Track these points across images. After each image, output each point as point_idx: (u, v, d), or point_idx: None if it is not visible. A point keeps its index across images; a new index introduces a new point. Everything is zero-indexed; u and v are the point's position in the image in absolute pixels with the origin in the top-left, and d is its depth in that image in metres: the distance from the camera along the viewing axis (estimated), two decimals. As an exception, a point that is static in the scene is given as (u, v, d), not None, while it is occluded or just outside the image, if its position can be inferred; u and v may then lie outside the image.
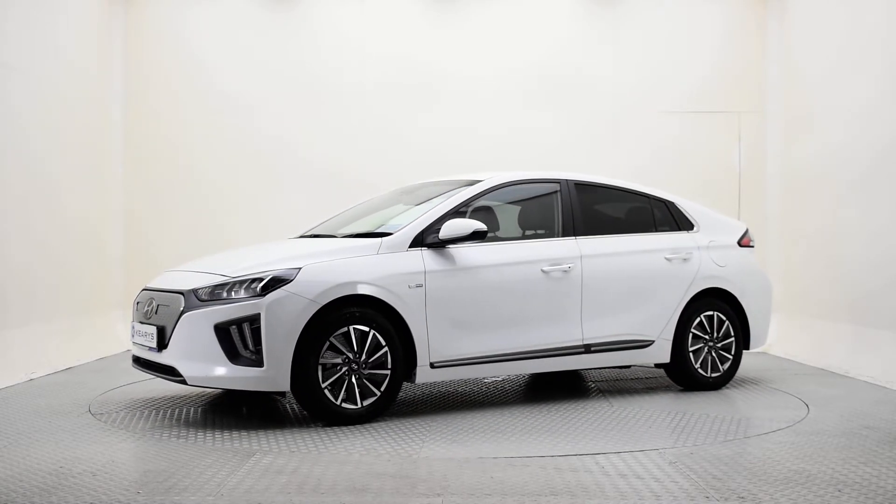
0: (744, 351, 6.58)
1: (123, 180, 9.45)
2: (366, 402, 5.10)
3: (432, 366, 5.34)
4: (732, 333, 6.44)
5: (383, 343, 5.13)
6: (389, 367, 5.15)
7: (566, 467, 4.16)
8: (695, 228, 6.57)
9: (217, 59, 9.51)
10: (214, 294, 5.02)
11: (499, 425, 5.15)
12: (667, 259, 6.27)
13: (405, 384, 6.05)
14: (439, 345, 5.36)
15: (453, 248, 5.50)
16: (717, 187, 9.35)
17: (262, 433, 4.89)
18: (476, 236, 5.42)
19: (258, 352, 4.89)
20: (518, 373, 5.84)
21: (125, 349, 8.62)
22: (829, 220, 8.25)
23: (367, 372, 5.10)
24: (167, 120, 9.49)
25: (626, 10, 9.62)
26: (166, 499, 3.63)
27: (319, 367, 4.97)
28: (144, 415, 5.45)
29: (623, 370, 7.24)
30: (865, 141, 7.63)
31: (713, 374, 6.37)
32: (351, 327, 5.05)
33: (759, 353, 8.24)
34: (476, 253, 5.57)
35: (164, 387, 6.45)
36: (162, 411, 5.56)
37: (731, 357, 6.44)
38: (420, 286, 5.30)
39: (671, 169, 9.34)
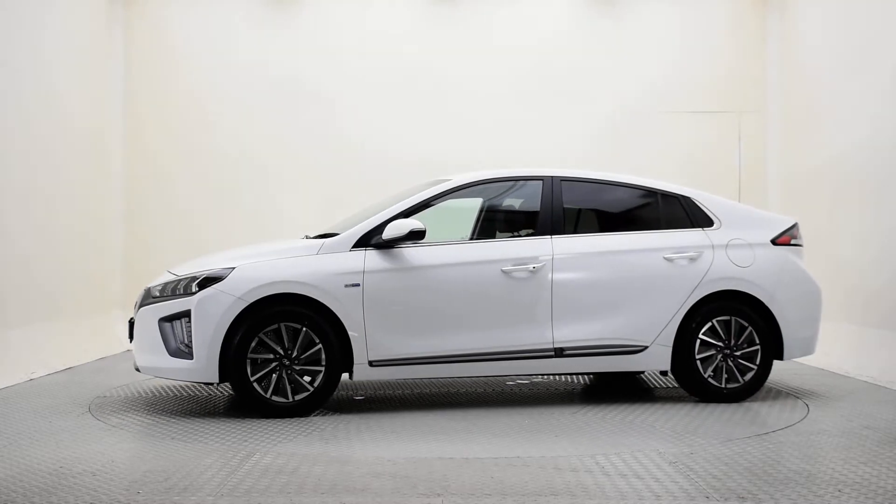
0: (776, 361, 5.99)
1: (123, 180, 9.45)
2: (297, 397, 5.29)
3: (371, 364, 5.41)
4: (758, 341, 5.83)
5: (316, 340, 5.29)
6: (323, 363, 5.30)
7: (566, 467, 4.16)
8: (714, 225, 6.00)
9: (217, 59, 9.51)
10: (163, 291, 5.46)
11: (499, 425, 5.15)
12: (666, 259, 5.81)
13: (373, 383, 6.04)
14: (379, 343, 5.40)
15: (405, 249, 5.51)
16: (718, 187, 9.32)
17: (262, 433, 4.89)
18: (413, 236, 5.43)
19: (190, 345, 5.23)
20: (476, 375, 5.68)
21: (125, 349, 8.62)
22: (829, 219, 8.25)
23: (298, 368, 5.30)
24: (167, 120, 9.49)
25: (626, 11, 9.62)
26: (166, 499, 3.63)
27: (248, 362, 5.22)
28: (144, 415, 5.45)
29: (639, 375, 7.00)
30: (866, 141, 7.63)
31: (729, 385, 5.79)
32: (282, 324, 5.27)
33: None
34: (428, 253, 5.55)
35: (164, 387, 6.46)
36: (162, 412, 5.56)
37: (754, 367, 5.82)
38: (357, 285, 5.37)
39: (671, 169, 9.31)
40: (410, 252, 5.52)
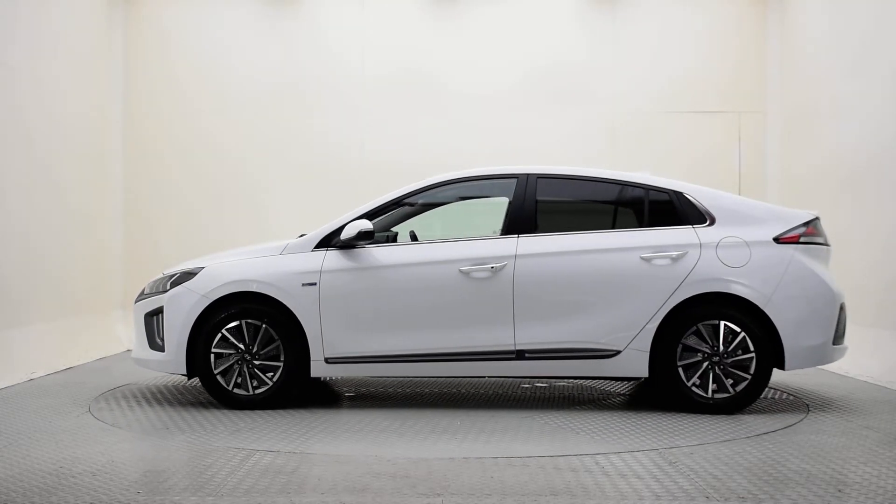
0: (776, 370, 5.50)
1: (124, 180, 9.46)
2: (258, 391, 5.56)
3: (327, 361, 5.54)
4: (752, 348, 5.37)
5: (276, 337, 5.52)
6: (281, 359, 5.53)
7: (566, 467, 4.16)
8: (708, 222, 5.57)
9: (217, 58, 9.52)
10: (152, 289, 5.87)
11: (499, 425, 5.15)
12: (643, 259, 5.45)
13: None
14: (335, 341, 5.51)
15: (363, 250, 5.60)
16: (717, 187, 9.30)
17: (262, 433, 4.89)
18: (363, 236, 5.52)
19: (163, 338, 5.63)
20: (434, 375, 5.64)
21: (125, 349, 8.63)
22: (828, 220, 8.21)
23: (258, 363, 5.55)
24: (167, 120, 9.50)
25: (626, 11, 9.62)
26: (166, 499, 3.63)
27: (212, 356, 5.53)
28: (144, 415, 5.46)
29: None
30: (865, 141, 7.64)
31: (718, 396, 5.39)
32: (244, 321, 5.54)
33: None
34: (386, 253, 5.60)
35: (163, 387, 6.46)
36: (162, 411, 5.56)
37: (748, 377, 5.37)
38: (313, 284, 5.52)
39: (671, 169, 9.29)
40: (368, 252, 5.60)
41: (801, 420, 5.33)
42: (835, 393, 6.32)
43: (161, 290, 5.75)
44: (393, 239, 5.92)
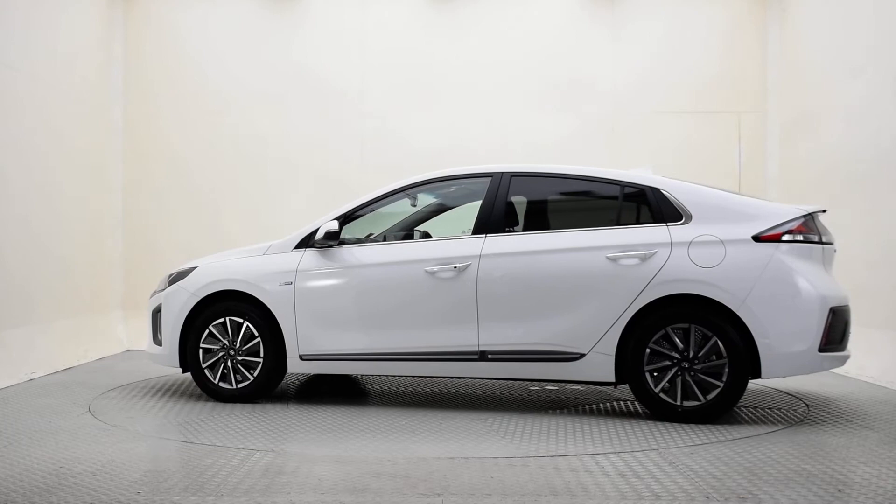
0: (753, 379, 5.18)
1: (123, 180, 9.47)
2: (240, 385, 5.79)
3: (301, 358, 5.70)
4: (724, 354, 5.04)
5: (256, 334, 5.74)
6: (261, 355, 5.74)
7: (566, 467, 4.16)
8: (683, 219, 5.24)
9: (217, 59, 9.53)
10: (159, 286, 6.19)
11: (499, 426, 5.15)
12: (609, 258, 5.23)
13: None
14: (308, 339, 5.67)
15: (339, 250, 5.73)
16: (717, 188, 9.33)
17: (262, 433, 4.89)
18: (329, 237, 5.66)
19: (161, 334, 5.98)
20: (404, 374, 5.63)
21: (125, 349, 8.63)
22: (828, 220, 8.24)
23: (240, 358, 5.79)
24: (167, 120, 9.50)
25: (626, 11, 9.62)
26: (166, 499, 3.63)
27: (200, 351, 5.83)
28: (144, 415, 5.46)
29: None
30: (865, 141, 7.64)
31: (687, 403, 5.11)
32: (227, 318, 5.80)
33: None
34: (359, 253, 5.70)
35: (163, 387, 6.46)
36: (162, 411, 5.56)
37: (720, 384, 5.05)
38: (289, 283, 5.71)
39: (671, 169, 9.30)
40: (343, 252, 5.72)
41: (801, 420, 5.33)
42: (835, 393, 6.32)
43: (163, 287, 6.10)
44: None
